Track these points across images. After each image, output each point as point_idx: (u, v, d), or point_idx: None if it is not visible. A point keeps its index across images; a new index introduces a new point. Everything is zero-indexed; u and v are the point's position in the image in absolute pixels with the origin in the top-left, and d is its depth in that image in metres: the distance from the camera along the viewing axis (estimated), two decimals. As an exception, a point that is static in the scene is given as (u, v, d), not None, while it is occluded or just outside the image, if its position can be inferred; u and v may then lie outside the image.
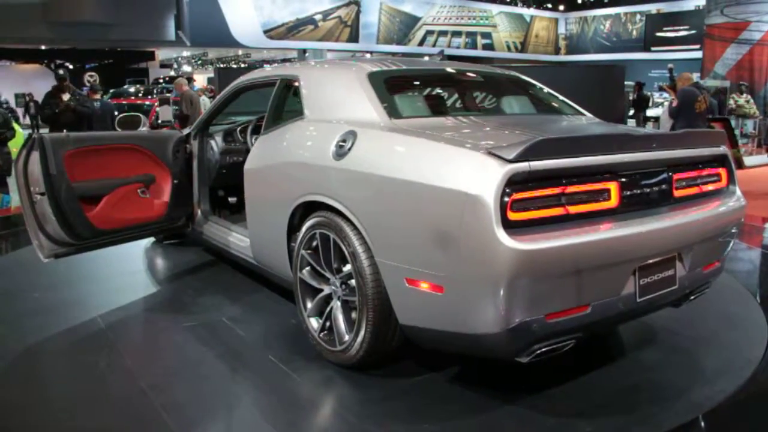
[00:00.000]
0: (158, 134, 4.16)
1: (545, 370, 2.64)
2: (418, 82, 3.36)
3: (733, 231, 2.76)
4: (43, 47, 24.84)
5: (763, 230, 5.92)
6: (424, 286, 2.25)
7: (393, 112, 2.74)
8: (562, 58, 29.56)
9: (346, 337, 2.61)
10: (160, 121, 10.33)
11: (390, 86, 2.97)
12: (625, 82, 12.08)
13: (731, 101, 12.60)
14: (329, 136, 2.74)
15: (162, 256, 4.66)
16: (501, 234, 1.98)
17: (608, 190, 2.25)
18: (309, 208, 2.82)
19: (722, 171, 2.77)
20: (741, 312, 3.47)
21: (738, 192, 2.80)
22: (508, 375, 2.63)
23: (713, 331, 3.18)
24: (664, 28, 25.22)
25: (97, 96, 8.49)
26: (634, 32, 27.39)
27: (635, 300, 2.33)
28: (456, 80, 3.51)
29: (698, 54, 16.66)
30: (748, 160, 11.39)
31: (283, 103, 3.34)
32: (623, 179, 2.29)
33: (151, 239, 4.86)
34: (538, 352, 2.18)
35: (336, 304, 2.71)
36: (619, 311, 2.31)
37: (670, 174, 2.49)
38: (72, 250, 3.47)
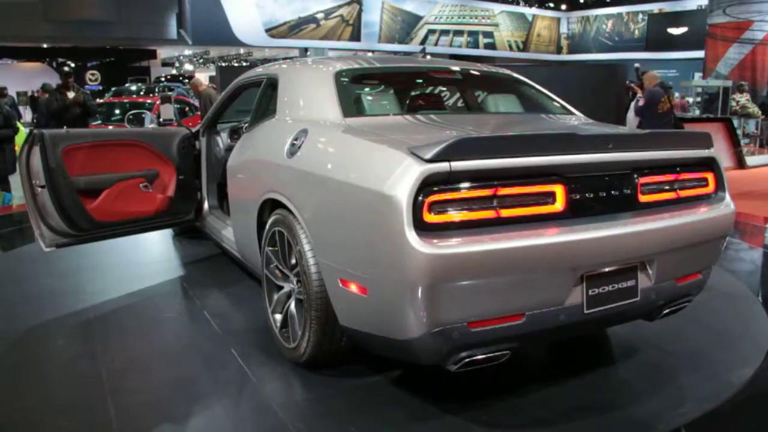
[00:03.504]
0: (162, 131, 4.19)
1: (509, 380, 2.55)
2: (388, 80, 3.25)
3: (717, 240, 2.52)
4: (45, 45, 24.84)
5: (765, 230, 5.91)
6: (353, 287, 2.17)
7: (349, 110, 2.68)
8: (564, 57, 29.53)
9: (299, 335, 2.57)
10: (161, 120, 10.29)
11: (356, 85, 2.94)
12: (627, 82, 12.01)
13: (732, 102, 12.54)
14: (287, 135, 2.72)
15: (174, 249, 4.75)
16: (412, 237, 1.88)
17: (553, 194, 2.09)
18: (274, 206, 2.80)
19: (709, 175, 2.53)
20: (740, 320, 3.32)
21: (727, 198, 2.53)
22: (464, 383, 2.51)
23: (705, 344, 2.96)
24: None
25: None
26: (636, 32, 27.35)
27: (582, 311, 2.15)
28: (433, 78, 3.42)
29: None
30: (750, 160, 11.39)
31: (267, 101, 3.35)
32: (572, 182, 2.12)
33: (170, 232, 4.95)
34: (467, 360, 2.06)
35: (292, 302, 2.68)
36: (562, 322, 2.14)
37: (635, 177, 2.29)
38: (72, 241, 3.55)
